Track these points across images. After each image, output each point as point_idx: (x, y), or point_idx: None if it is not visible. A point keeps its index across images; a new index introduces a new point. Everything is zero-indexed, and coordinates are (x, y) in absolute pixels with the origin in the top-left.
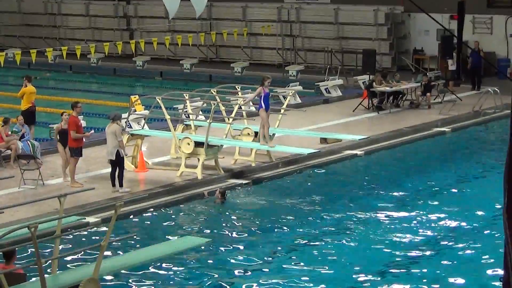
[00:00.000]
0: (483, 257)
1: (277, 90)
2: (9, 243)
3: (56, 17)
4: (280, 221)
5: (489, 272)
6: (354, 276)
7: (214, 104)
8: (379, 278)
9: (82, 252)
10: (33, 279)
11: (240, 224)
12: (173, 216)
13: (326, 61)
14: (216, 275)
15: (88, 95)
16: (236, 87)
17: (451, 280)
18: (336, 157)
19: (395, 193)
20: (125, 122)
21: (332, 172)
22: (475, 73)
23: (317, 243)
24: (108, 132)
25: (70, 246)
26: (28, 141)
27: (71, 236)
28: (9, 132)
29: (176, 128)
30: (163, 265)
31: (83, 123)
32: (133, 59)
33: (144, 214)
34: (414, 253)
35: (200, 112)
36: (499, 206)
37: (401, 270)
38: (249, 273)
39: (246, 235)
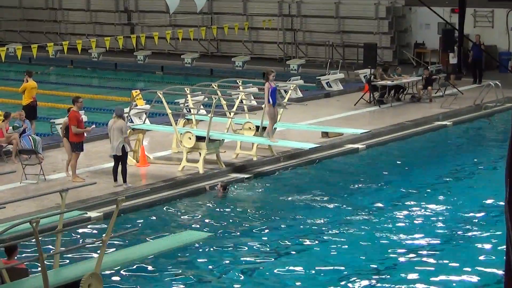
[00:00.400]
0: (486, 250)
1: (278, 84)
2: (11, 238)
3: (57, 12)
4: (281, 215)
5: (492, 266)
6: (356, 269)
7: (215, 98)
8: (381, 272)
9: (84, 247)
10: (35, 274)
11: (242, 218)
12: (174, 211)
13: (327, 55)
14: (218, 269)
15: (89, 89)
16: (237, 81)
17: (455, 274)
18: (338, 151)
19: (396, 187)
20: (127, 116)
21: (333, 166)
22: (476, 66)
23: (318, 237)
24: (114, 128)
25: (72, 241)
26: (30, 136)
27: (73, 231)
28: (10, 128)
29: (177, 123)
30: (165, 259)
31: (84, 118)
32: (134, 53)
33: (145, 209)
34: (416, 247)
35: (201, 107)
36: (501, 201)
37: (404, 263)
38: (251, 267)
39: (248, 229)
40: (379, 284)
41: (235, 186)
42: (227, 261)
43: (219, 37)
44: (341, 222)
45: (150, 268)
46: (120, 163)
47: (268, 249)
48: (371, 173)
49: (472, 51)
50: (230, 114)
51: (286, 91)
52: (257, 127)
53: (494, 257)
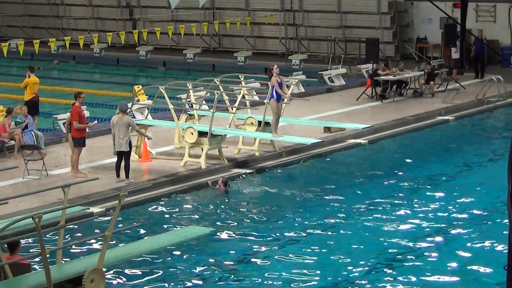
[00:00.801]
0: (488, 244)
1: (287, 80)
2: (13, 233)
3: (59, 7)
4: (283, 210)
5: (494, 260)
6: (358, 264)
7: (217, 93)
8: (383, 266)
9: (87, 242)
10: (38, 269)
11: (244, 213)
12: (177, 206)
13: (329, 50)
14: (220, 264)
15: (91, 85)
16: (239, 76)
17: (456, 268)
18: (340, 146)
19: (398, 182)
20: (129, 112)
21: (336, 161)
22: (478, 61)
23: (320, 232)
24: (119, 124)
25: (75, 236)
26: (32, 132)
27: (76, 226)
28: (12, 123)
29: (179, 118)
30: (167, 254)
31: (87, 113)
32: (136, 49)
33: (148, 204)
34: (418, 242)
35: (204, 102)
36: (503, 196)
37: (405, 258)
38: (253, 261)
39: (250, 224)
40: (382, 278)
41: (238, 181)
42: (230, 256)
43: (221, 32)
44: (343, 216)
45: (152, 263)
46: (123, 158)
47: (271, 244)
48: (373, 168)
49: (474, 46)
50: (232, 109)
51: (288, 86)
52: (259, 122)
53: (497, 251)
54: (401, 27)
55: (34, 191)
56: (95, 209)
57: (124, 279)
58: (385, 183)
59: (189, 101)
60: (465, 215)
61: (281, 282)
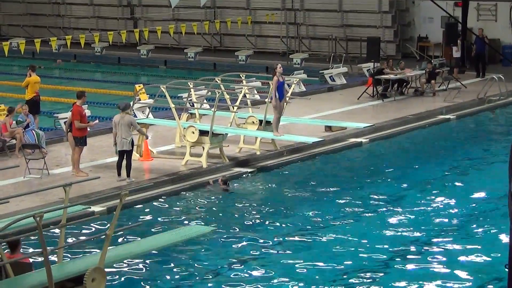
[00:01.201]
0: (488, 242)
1: (290, 79)
2: (14, 232)
3: (60, 6)
4: (285, 209)
5: (495, 259)
6: (359, 264)
7: (218, 92)
8: (384, 266)
9: (88, 241)
10: (39, 268)
11: (245, 212)
12: (178, 205)
13: (331, 49)
14: (222, 263)
15: (92, 84)
16: (241, 75)
17: (458, 266)
18: (341, 145)
19: (399, 181)
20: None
21: (337, 160)
22: (479, 60)
23: (322, 231)
24: (121, 123)
25: (76, 235)
26: (33, 131)
27: (77, 226)
28: (13, 122)
29: (180, 117)
30: (168, 253)
31: (88, 112)
32: (137, 48)
33: (149, 203)
34: (419, 240)
35: (205, 101)
36: (504, 194)
37: (408, 257)
38: (254, 260)
39: (251, 223)
40: (385, 277)
41: (239, 180)
42: (231, 255)
43: (222, 31)
44: (345, 215)
45: (153, 262)
46: (125, 157)
47: (272, 243)
48: (374, 167)
49: (475, 45)
50: (233, 108)
51: (289, 85)
52: (261, 121)
53: (499, 250)
54: (402, 26)
55: (35, 190)
56: (96, 208)
57: (125, 279)
58: (386, 182)
59: (190, 100)
60: (466, 214)
61: (281, 282)
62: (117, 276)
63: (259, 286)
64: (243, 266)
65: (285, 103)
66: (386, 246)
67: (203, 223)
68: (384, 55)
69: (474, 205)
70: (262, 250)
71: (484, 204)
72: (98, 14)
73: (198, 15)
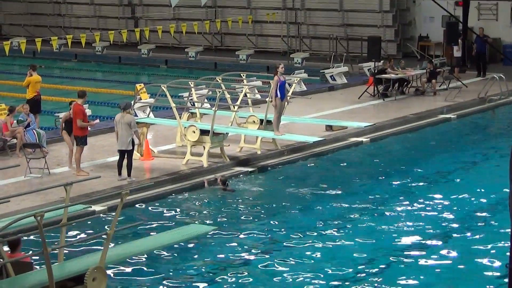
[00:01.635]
0: (489, 242)
1: (290, 78)
2: (15, 232)
3: (61, 6)
4: (286, 208)
5: (495, 258)
6: (361, 263)
7: (219, 92)
8: (384, 265)
9: (89, 241)
10: (40, 267)
11: (246, 211)
12: (179, 204)
13: (331, 48)
14: (222, 262)
15: (93, 83)
16: (241, 74)
17: (460, 264)
18: (342, 145)
19: (400, 180)
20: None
21: (338, 160)
22: (480, 59)
23: (322, 230)
24: (122, 123)
25: (77, 234)
26: (34, 130)
27: (77, 225)
28: (14, 121)
29: (181, 116)
30: (169, 253)
31: (88, 112)
32: (138, 47)
33: (149, 202)
34: (420, 240)
35: (206, 100)
36: (505, 195)
37: (407, 256)
38: (255, 260)
39: (252, 222)
40: (385, 277)
41: (240, 179)
42: (232, 254)
43: (223, 30)
44: (345, 215)
45: (153, 261)
46: (125, 157)
47: (273, 242)
48: (374, 166)
49: (475, 44)
50: (234, 107)
51: (290, 85)
52: (261, 121)
53: (499, 249)
54: (403, 25)
55: (36, 189)
56: (97, 208)
57: (126, 278)
58: (386, 181)
59: (191, 99)
60: (466, 213)
61: (282, 281)
62: (118, 276)
63: (259, 285)
64: (243, 265)
65: (286, 103)
66: (386, 246)
67: (203, 223)
68: (385, 54)
69: (474, 204)
70: (263, 249)
71: (483, 203)
72: (99, 14)
73: (199, 15)
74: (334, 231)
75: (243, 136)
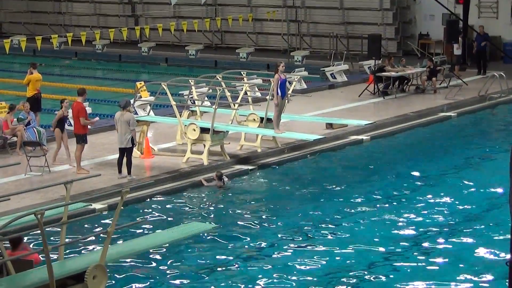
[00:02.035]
0: (489, 240)
1: (290, 77)
2: (16, 230)
3: (61, 4)
4: (286, 206)
5: (495, 256)
6: (361, 261)
7: (219, 90)
8: (385, 265)
9: (89, 239)
10: (40, 265)
11: (246, 209)
12: (179, 202)
13: (332, 46)
14: (223, 260)
15: (93, 81)
16: (242, 72)
17: (459, 264)
18: (342, 142)
19: (400, 178)
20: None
21: (338, 158)
22: (480, 57)
23: (322, 228)
24: (121, 121)
25: (77, 232)
26: (34, 128)
27: (78, 223)
28: (15, 119)
29: (181, 114)
30: (169, 250)
31: (89, 110)
32: (138, 45)
33: (150, 200)
34: (420, 238)
35: (206, 98)
36: (505, 193)
37: (407, 256)
38: (255, 258)
39: (252, 220)
40: (385, 276)
41: (240, 177)
42: (232, 252)
43: (223, 28)
44: (345, 213)
45: (154, 259)
46: (125, 155)
47: (272, 240)
48: (375, 164)
49: (475, 42)
50: (234, 105)
51: (290, 83)
52: (262, 119)
53: (499, 249)
54: (403, 24)
55: (36, 187)
56: (97, 206)
57: (125, 276)
58: (387, 179)
59: (191, 97)
60: (466, 212)
61: (281, 280)
62: (118, 274)
63: (258, 283)
64: (242, 263)
65: (287, 101)
66: (387, 244)
67: (203, 221)
68: (385, 52)
69: (474, 202)
70: (262, 247)
71: (483, 202)
72: (99, 12)
73: (199, 13)
74: (334, 229)
75: (243, 134)
